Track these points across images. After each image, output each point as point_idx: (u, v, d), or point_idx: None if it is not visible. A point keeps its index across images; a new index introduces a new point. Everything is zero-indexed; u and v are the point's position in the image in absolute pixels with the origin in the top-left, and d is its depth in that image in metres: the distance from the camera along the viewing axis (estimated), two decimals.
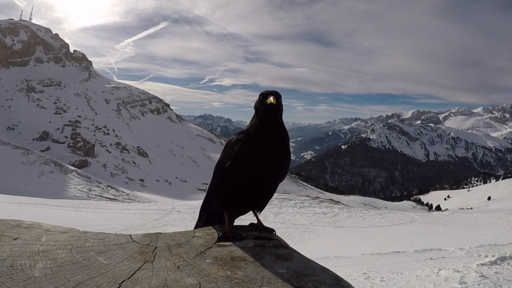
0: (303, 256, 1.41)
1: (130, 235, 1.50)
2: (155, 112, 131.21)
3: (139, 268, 1.23)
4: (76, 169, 68.57)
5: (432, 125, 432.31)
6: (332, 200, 35.75)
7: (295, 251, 1.46)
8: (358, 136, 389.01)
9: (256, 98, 1.69)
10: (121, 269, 1.22)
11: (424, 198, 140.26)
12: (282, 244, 1.51)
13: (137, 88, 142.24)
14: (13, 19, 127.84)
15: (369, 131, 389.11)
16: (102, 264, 1.24)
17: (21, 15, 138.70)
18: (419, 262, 9.84)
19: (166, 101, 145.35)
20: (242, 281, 1.18)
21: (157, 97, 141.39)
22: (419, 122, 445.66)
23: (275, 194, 1.74)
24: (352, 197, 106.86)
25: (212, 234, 1.55)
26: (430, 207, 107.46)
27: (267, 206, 1.77)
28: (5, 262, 1.20)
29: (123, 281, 1.14)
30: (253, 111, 1.71)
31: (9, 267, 1.18)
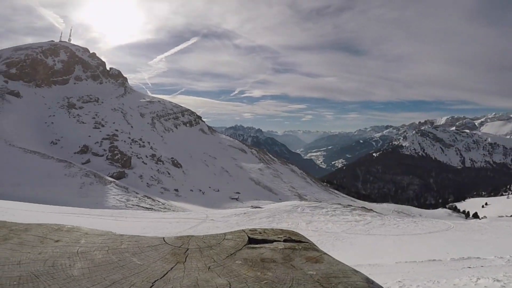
0: (333, 258, 1.39)
1: (163, 238, 1.54)
2: (187, 124, 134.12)
3: (171, 269, 1.27)
4: (115, 180, 71.02)
5: (467, 131, 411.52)
6: (365, 208, 34.76)
7: (325, 253, 1.43)
8: (390, 143, 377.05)
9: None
10: (154, 269, 1.26)
11: (460, 205, 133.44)
12: (312, 247, 1.50)
13: (170, 102, 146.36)
14: (53, 41, 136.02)
15: (402, 138, 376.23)
16: (136, 265, 1.29)
17: (60, 36, 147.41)
18: (456, 270, 9.40)
19: (198, 114, 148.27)
20: (271, 281, 1.17)
21: (189, 109, 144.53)
22: (453, 128, 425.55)
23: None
24: (385, 205, 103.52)
25: (242, 237, 1.55)
26: (467, 214, 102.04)
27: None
28: (47, 262, 1.28)
29: (155, 281, 1.18)
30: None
31: (51, 266, 1.25)
